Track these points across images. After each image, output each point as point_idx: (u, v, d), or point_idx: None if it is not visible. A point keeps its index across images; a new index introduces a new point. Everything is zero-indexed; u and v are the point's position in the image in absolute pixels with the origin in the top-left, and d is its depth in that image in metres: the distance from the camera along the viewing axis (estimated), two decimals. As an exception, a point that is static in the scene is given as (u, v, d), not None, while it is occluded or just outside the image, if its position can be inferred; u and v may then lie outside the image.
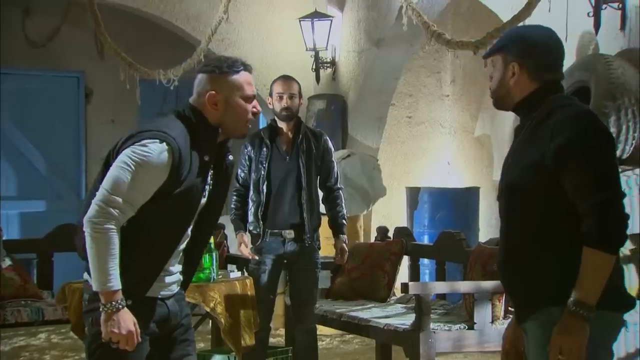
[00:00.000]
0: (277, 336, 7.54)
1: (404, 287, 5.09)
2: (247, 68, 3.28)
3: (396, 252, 6.18)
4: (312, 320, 5.79)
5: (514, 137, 3.12)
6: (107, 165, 3.16)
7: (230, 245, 6.83)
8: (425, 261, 7.14)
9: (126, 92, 8.19)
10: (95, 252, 3.05)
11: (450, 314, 5.56)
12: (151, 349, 3.26)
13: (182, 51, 8.69)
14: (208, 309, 5.25)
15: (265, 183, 5.68)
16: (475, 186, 8.41)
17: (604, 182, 2.84)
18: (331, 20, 8.50)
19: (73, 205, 9.95)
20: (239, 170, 5.78)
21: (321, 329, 6.46)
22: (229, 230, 6.28)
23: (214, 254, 5.38)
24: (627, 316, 3.01)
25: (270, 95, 5.79)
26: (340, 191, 5.87)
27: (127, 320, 3.09)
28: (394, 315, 5.58)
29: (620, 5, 5.36)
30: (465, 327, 5.17)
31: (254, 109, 3.28)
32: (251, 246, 5.78)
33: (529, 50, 3.04)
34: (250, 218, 5.76)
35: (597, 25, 5.38)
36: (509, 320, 5.15)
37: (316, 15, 8.47)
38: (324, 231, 5.88)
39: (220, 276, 5.55)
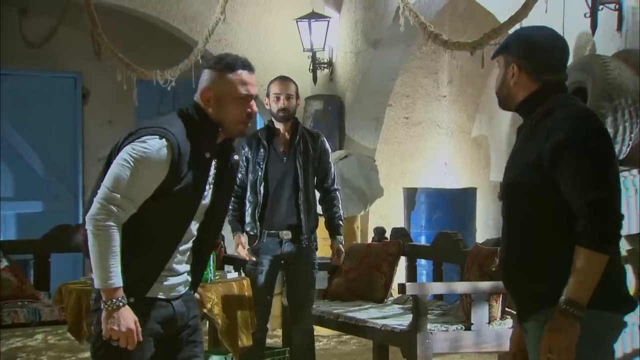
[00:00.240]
0: (274, 337, 7.53)
1: (401, 288, 5.10)
2: (246, 68, 3.26)
3: (393, 253, 6.18)
4: (309, 321, 5.79)
5: (517, 137, 3.12)
6: (108, 164, 3.17)
7: (227, 246, 6.83)
8: (422, 262, 7.14)
9: (123, 92, 8.19)
10: (97, 250, 3.06)
11: (447, 314, 5.57)
12: (157, 350, 3.24)
13: (179, 52, 8.69)
14: (205, 310, 5.25)
15: (263, 184, 5.68)
16: (473, 187, 8.41)
17: (597, 182, 2.84)
18: (328, 21, 8.49)
19: (70, 206, 9.95)
20: (236, 171, 5.78)
21: (318, 330, 6.47)
22: (226, 231, 6.25)
23: (211, 255, 5.37)
24: (626, 317, 3.00)
25: (268, 96, 5.78)
26: (337, 192, 5.86)
27: (128, 318, 3.08)
28: (391, 316, 5.58)
29: (617, 6, 5.35)
30: (462, 328, 5.17)
31: (248, 109, 3.25)
32: (248, 247, 5.77)
33: (528, 51, 3.05)
34: (248, 219, 5.76)
35: (593, 26, 5.37)
36: (506, 320, 5.20)
37: (313, 16, 8.46)
38: (321, 232, 5.88)
39: (218, 277, 5.55)
